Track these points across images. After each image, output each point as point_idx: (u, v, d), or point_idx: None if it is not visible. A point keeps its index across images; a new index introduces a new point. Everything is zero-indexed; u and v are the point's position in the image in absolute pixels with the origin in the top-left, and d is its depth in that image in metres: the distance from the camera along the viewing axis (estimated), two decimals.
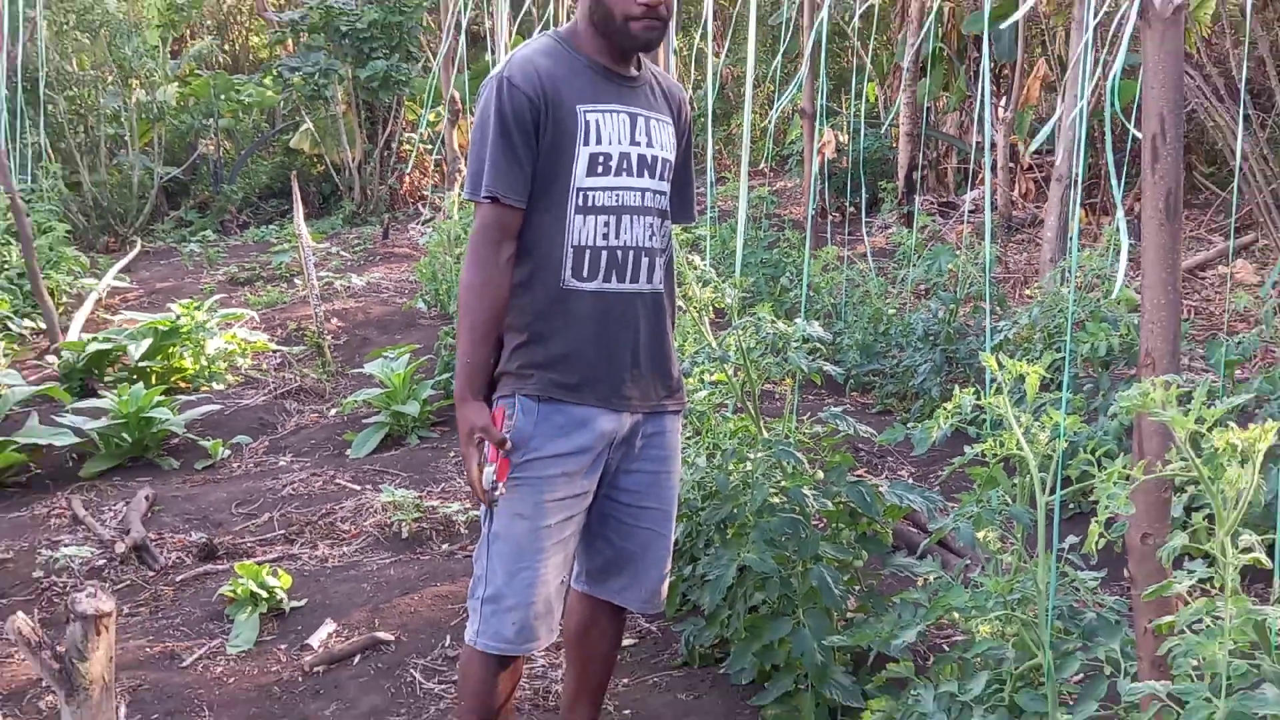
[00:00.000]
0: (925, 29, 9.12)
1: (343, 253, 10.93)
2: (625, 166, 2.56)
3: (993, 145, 6.99)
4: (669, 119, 2.67)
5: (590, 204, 2.54)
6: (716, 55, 10.36)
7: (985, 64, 3.99)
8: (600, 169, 2.54)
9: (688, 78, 10.36)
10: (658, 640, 3.75)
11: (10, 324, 8.09)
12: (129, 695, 3.50)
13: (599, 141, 2.54)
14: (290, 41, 13.47)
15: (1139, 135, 2.28)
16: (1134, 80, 6.37)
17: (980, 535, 2.68)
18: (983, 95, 6.26)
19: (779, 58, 9.33)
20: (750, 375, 3.52)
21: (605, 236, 2.56)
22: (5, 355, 7.39)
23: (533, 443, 2.52)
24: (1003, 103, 9.47)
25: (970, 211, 9.42)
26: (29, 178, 11.80)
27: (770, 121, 10.93)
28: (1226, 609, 2.03)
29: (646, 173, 2.60)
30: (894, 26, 11.37)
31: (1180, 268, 2.32)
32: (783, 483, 3.30)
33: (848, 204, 9.82)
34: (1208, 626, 2.06)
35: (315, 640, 3.85)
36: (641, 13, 2.47)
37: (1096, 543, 2.17)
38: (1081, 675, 2.53)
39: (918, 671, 2.83)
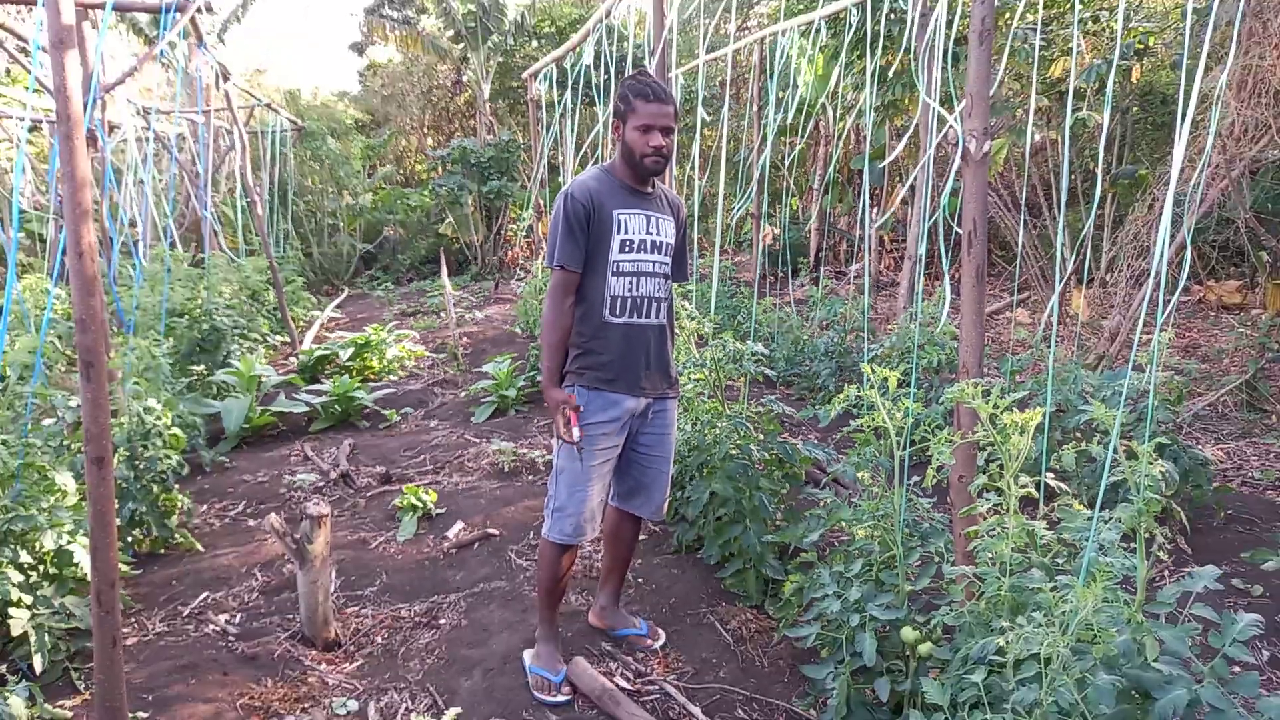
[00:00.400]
0: (829, 166, 9.11)
1: (470, 297, 10.91)
2: (643, 247, 2.56)
3: (869, 236, 6.96)
4: (671, 218, 2.67)
5: (621, 270, 2.53)
6: (700, 179, 10.33)
7: (865, 187, 3.98)
8: (627, 248, 2.54)
9: (682, 193, 10.36)
10: (660, 536, 3.75)
11: (269, 338, 8.14)
12: (337, 565, 3.52)
13: (627, 232, 2.54)
14: (440, 168, 13.51)
15: (960, 231, 2.27)
16: (957, 198, 6.35)
17: (859, 475, 2.67)
18: (863, 206, 6.25)
19: (739, 182, 9.34)
20: (719, 375, 3.52)
21: (630, 290, 2.55)
22: (265, 358, 7.43)
23: (586, 414, 2.53)
24: (875, 211, 9.44)
25: (854, 277, 9.38)
26: (281, 250, 11.92)
27: (732, 220, 10.92)
28: (1010, 522, 2.02)
29: (656, 251, 2.59)
30: (809, 163, 11.35)
31: (984, 313, 2.31)
32: (738, 441, 3.30)
33: (779, 271, 9.80)
34: (998, 533, 2.05)
35: (450, 533, 3.86)
36: (652, 153, 2.49)
37: (931, 481, 2.17)
38: (920, 561, 2.52)
39: (819, 558, 2.82)
